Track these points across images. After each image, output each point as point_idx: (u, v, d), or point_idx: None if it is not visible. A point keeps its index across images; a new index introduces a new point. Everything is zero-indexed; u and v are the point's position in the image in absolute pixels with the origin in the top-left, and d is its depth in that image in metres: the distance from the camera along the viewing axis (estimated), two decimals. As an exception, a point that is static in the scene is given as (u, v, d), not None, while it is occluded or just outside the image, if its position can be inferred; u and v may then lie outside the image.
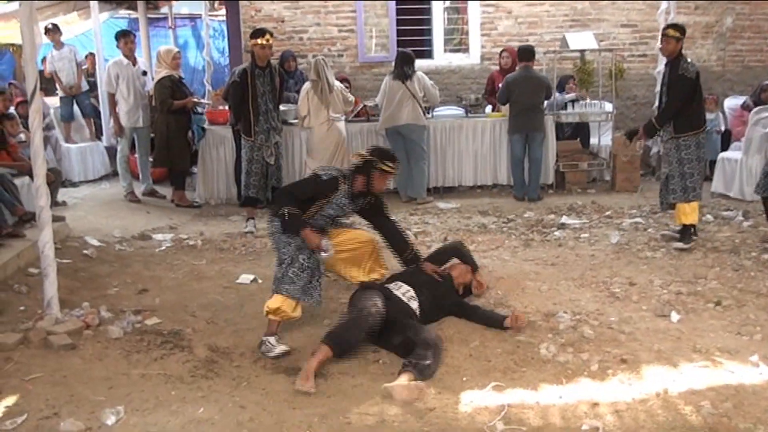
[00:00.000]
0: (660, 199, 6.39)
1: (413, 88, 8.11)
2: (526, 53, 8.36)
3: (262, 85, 6.73)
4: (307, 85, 7.86)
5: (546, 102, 8.46)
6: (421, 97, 8.19)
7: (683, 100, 5.97)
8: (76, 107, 10.20)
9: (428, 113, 8.62)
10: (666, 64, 6.32)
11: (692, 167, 6.04)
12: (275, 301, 4.13)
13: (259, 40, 6.61)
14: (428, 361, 3.69)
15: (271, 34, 6.80)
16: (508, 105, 8.42)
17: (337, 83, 7.84)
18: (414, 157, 8.27)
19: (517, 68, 8.51)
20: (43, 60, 10.65)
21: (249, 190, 6.88)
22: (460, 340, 4.12)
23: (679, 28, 6.19)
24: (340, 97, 7.78)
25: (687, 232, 6.13)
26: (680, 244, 6.03)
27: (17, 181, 6.40)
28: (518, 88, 8.20)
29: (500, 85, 8.52)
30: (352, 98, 8.05)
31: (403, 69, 8.17)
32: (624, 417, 3.25)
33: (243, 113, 6.77)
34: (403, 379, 3.53)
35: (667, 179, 6.19)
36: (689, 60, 6.17)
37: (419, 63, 10.67)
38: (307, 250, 4.21)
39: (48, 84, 10.47)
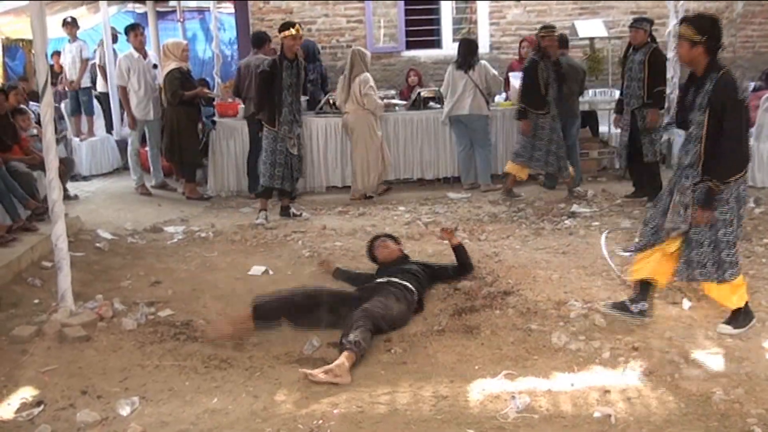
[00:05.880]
0: None
1: (475, 78, 8.04)
2: (561, 41, 8.09)
3: (289, 77, 6.80)
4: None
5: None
6: (484, 87, 8.10)
7: None
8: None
9: (492, 102, 8.51)
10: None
11: None
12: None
13: (289, 31, 6.69)
14: (358, 338, 3.71)
15: (300, 26, 6.90)
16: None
17: (363, 77, 7.82)
18: (478, 144, 8.25)
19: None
20: (54, 54, 10.71)
21: (273, 181, 6.91)
22: (472, 329, 4.14)
23: None
24: (357, 89, 7.81)
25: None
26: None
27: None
28: None
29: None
30: (370, 95, 7.92)
31: (466, 58, 8.08)
32: (635, 404, 3.25)
33: (268, 103, 6.81)
34: (342, 359, 3.58)
35: None
36: None
37: (427, 53, 10.74)
38: None
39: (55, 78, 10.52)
